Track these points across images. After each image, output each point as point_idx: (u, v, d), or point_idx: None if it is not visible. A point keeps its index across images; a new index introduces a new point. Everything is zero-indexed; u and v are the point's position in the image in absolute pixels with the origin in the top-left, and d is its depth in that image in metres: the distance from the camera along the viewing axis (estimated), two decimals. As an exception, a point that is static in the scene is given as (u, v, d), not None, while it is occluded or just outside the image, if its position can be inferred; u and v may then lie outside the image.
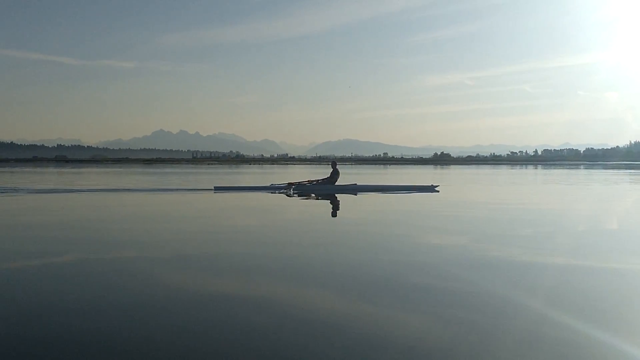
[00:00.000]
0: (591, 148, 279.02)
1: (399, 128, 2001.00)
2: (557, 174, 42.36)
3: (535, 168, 69.26)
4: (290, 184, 20.89)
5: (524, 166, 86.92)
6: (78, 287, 5.31)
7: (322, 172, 41.09)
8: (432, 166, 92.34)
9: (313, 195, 19.30)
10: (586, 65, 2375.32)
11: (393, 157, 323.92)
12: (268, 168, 71.54)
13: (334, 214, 13.41)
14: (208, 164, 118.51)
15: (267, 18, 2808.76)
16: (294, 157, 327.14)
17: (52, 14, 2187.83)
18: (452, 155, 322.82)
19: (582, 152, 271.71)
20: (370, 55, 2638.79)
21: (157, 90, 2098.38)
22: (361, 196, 18.86)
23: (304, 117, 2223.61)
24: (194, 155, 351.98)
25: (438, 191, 20.69)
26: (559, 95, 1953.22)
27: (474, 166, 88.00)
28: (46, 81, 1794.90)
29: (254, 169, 66.67)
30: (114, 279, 5.64)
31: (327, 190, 20.56)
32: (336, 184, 21.15)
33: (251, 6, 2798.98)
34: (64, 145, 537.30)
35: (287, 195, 18.83)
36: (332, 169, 21.54)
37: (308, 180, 21.52)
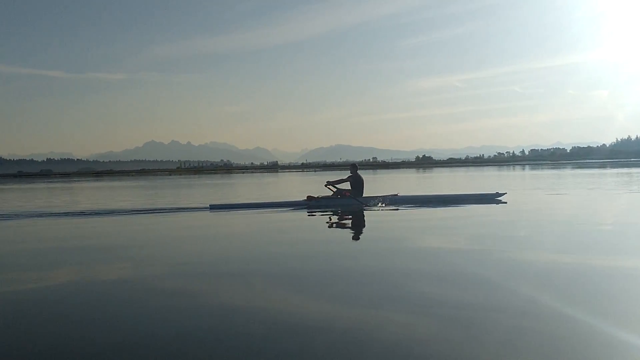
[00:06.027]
0: (577, 147, 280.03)
1: (392, 132, 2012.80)
2: (547, 175, 42.44)
3: (523, 169, 69.88)
4: (310, 197, 16.26)
5: (510, 167, 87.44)
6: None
7: (318, 180, 39.97)
8: (414, 170, 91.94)
9: (335, 210, 14.86)
10: (575, 64, 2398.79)
11: (382, 161, 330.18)
12: (258, 177, 70.73)
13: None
14: (194, 173, 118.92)
15: (257, 26, 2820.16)
16: (277, 163, 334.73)
17: (39, 28, 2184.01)
18: (434, 158, 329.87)
19: (568, 150, 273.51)
20: (360, 60, 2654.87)
21: (148, 101, 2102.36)
22: (404, 212, 14.00)
23: (296, 124, 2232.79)
24: (181, 165, 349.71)
25: (505, 202, 15.73)
26: (550, 94, 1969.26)
27: (462, 168, 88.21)
28: (36, 95, 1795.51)
29: (246, 179, 65.74)
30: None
31: (353, 203, 15.70)
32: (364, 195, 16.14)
33: (241, 15, 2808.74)
34: (54, 159, 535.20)
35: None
36: (350, 174, 16.22)
37: (331, 189, 16.30)
